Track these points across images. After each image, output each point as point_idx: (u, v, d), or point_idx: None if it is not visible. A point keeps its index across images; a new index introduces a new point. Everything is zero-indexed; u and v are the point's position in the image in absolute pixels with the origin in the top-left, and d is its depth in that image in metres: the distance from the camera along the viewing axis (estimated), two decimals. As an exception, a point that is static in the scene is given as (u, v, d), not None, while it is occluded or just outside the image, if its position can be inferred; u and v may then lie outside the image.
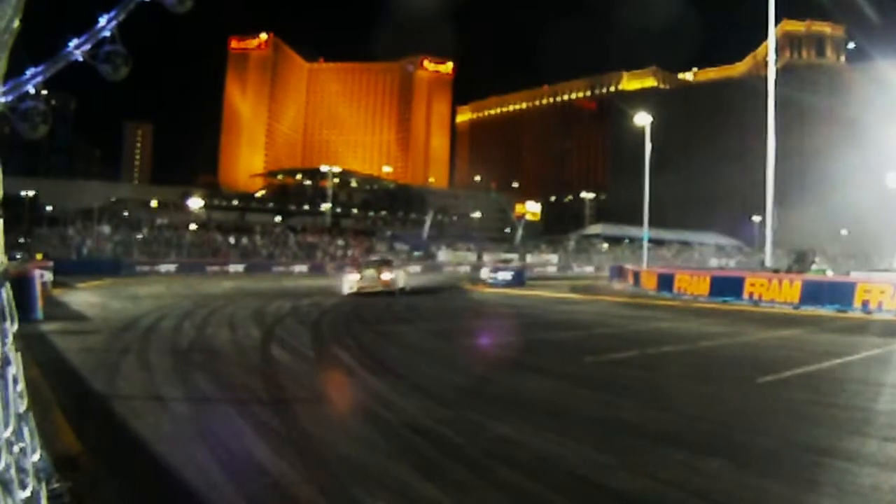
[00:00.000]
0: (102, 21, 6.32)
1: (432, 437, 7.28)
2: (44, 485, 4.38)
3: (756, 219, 74.59)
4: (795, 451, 6.85)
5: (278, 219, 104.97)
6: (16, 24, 4.11)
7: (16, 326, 4.30)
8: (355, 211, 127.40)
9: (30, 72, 6.00)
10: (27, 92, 5.94)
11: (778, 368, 11.72)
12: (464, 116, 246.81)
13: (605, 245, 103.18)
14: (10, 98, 5.80)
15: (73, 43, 6.31)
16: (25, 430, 4.28)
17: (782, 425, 7.94)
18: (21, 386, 4.48)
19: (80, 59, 6.33)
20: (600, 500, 5.62)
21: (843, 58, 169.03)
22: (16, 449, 3.91)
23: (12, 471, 3.63)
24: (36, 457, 4.47)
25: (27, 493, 3.85)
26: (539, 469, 6.29)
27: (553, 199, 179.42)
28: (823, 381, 11.10)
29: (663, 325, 20.03)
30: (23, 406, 4.40)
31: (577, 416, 8.45)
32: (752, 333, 17.81)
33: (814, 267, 37.12)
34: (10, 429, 3.83)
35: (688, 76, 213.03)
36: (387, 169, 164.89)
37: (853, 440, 7.20)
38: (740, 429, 7.85)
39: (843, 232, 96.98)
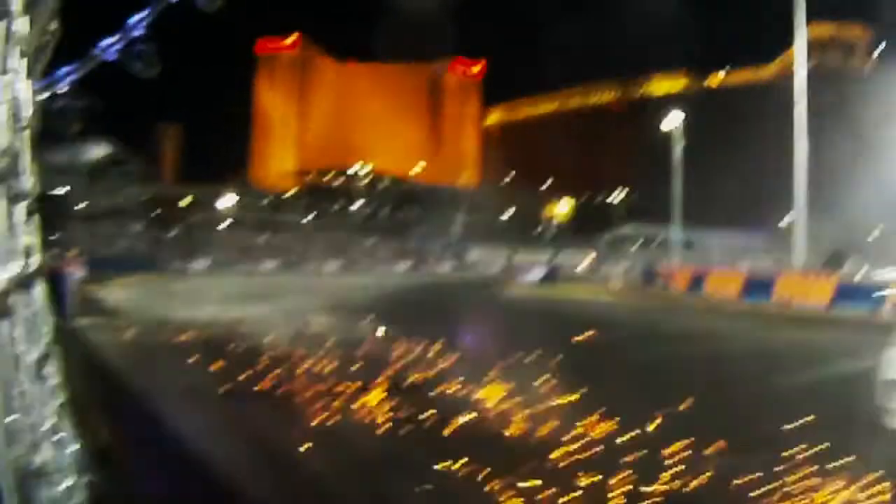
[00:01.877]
0: (134, 20, 6.41)
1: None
2: (80, 477, 4.46)
3: (788, 219, 73.63)
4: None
5: (309, 217, 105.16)
6: (53, 25, 4.19)
7: (53, 322, 4.38)
8: (386, 210, 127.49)
9: (63, 70, 6.10)
10: (61, 90, 6.04)
11: (809, 369, 11.64)
12: (494, 117, 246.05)
13: (636, 245, 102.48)
14: (45, 96, 5.90)
15: (106, 42, 6.42)
16: (63, 423, 4.36)
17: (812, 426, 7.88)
18: (59, 380, 4.56)
19: (113, 58, 6.43)
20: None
21: (871, 61, 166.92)
22: (55, 441, 3.99)
23: (52, 463, 3.70)
24: (73, 449, 4.55)
25: (66, 484, 3.92)
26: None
27: (584, 199, 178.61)
28: (855, 382, 11.02)
29: (693, 325, 19.95)
30: (61, 400, 4.48)
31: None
32: (783, 334, 17.68)
33: (847, 266, 36.65)
34: (50, 422, 3.91)
35: (717, 78, 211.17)
36: (417, 169, 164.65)
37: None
38: (773, 429, 7.81)
39: (877, 232, 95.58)
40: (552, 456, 6.63)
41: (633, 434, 7.31)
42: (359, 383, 9.68)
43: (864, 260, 42.94)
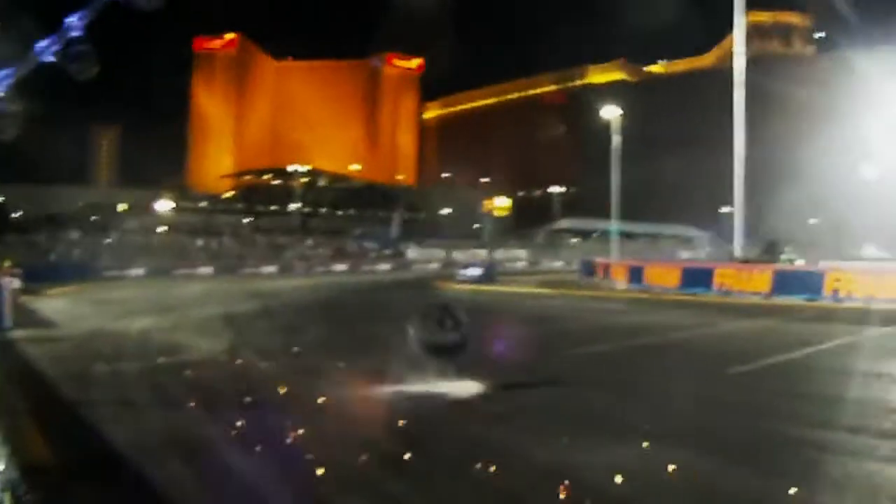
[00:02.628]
0: (72, 20, 6.26)
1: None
2: (8, 494, 4.33)
3: (726, 209, 74.99)
4: (766, 441, 6.91)
5: (247, 220, 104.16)
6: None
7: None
8: (324, 210, 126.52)
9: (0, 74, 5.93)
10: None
11: (749, 359, 11.81)
12: (432, 113, 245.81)
13: (575, 239, 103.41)
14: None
15: (44, 43, 6.25)
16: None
17: (754, 415, 8.00)
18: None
19: (51, 59, 6.27)
20: (574, 492, 5.61)
21: (810, 48, 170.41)
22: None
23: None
24: (1, 465, 4.42)
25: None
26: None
27: (522, 193, 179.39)
28: (795, 370, 11.23)
29: (634, 318, 20.14)
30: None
31: (555, 412, 8.49)
32: (723, 324, 17.94)
33: (783, 256, 37.38)
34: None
35: (655, 68, 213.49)
36: (355, 167, 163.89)
37: (822, 432, 7.26)
38: (712, 420, 7.91)
39: (814, 221, 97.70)
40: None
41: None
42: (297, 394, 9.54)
43: (800, 249, 43.86)
